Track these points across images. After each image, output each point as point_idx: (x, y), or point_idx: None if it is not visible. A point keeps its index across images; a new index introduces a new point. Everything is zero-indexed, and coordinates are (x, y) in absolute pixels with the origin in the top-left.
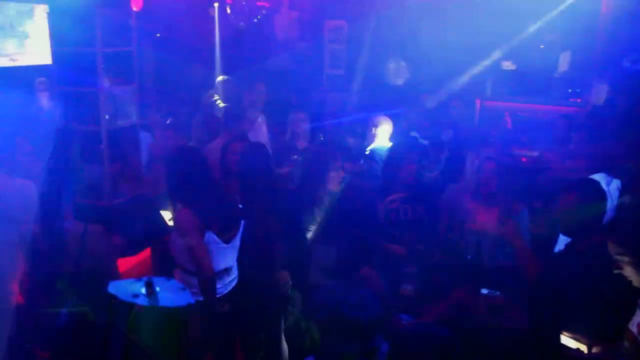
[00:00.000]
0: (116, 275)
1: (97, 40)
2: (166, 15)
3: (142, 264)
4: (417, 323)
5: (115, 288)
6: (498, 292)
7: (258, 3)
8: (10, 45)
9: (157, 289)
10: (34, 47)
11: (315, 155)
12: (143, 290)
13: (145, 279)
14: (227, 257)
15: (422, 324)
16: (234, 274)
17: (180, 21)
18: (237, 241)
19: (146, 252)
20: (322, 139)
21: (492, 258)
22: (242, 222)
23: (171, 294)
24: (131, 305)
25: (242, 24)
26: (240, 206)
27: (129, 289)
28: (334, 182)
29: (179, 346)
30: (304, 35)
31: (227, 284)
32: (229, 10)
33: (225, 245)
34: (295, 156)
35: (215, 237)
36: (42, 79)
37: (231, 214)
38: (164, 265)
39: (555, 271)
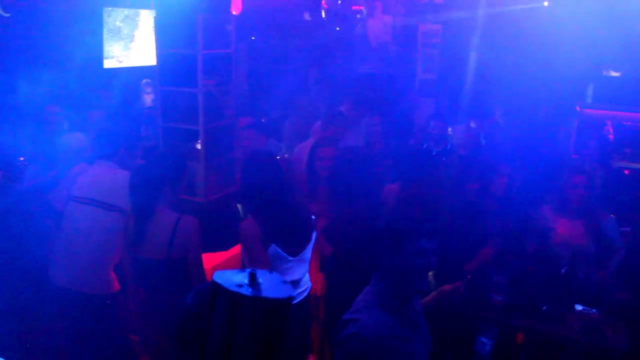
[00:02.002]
0: (200, 267)
1: (199, 42)
2: (262, 19)
3: (232, 259)
4: None
5: (220, 277)
6: (594, 310)
7: (353, 7)
8: (117, 48)
9: (260, 280)
10: (138, 50)
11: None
12: (246, 281)
13: (249, 270)
14: (294, 271)
15: None
16: (304, 285)
17: (275, 25)
18: (306, 254)
19: (236, 249)
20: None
21: (588, 273)
22: (314, 234)
23: (273, 285)
24: (234, 295)
25: (336, 27)
26: (313, 217)
27: (233, 278)
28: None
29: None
30: (397, 39)
31: (295, 295)
32: (323, 15)
33: (291, 258)
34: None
35: (280, 250)
36: (147, 80)
37: (301, 227)
38: None
39: None
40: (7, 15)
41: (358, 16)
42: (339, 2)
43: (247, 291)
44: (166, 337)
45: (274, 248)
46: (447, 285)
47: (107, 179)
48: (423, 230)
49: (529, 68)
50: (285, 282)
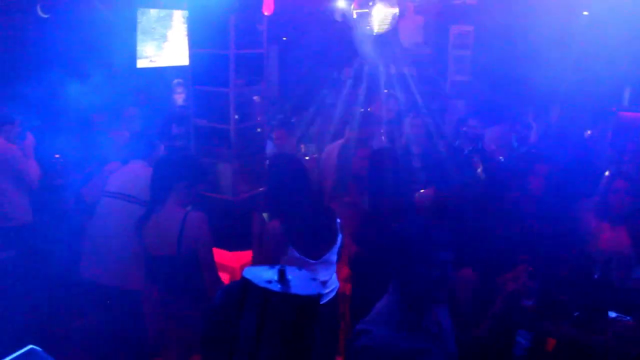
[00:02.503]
0: (212, 264)
1: (231, 42)
2: (293, 19)
3: None
4: None
5: (250, 273)
6: (629, 317)
7: None
8: (150, 48)
9: (289, 277)
10: (170, 50)
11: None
12: (276, 277)
13: (278, 266)
14: (318, 273)
15: None
16: (331, 286)
17: (305, 25)
18: (331, 256)
19: None
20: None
21: (623, 279)
22: (340, 237)
23: (302, 282)
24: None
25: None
26: (339, 221)
27: (262, 275)
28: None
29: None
30: (429, 40)
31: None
32: (355, 15)
33: (313, 261)
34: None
35: (298, 254)
36: (178, 79)
37: (324, 231)
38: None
39: None
40: (45, 16)
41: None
42: (370, 3)
43: (276, 287)
44: (182, 335)
45: (292, 251)
46: (510, 284)
47: (139, 176)
48: (439, 240)
49: (564, 70)
50: (314, 279)
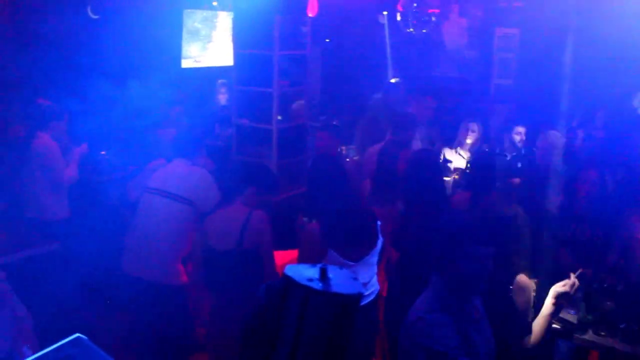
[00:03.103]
0: (272, 261)
1: (275, 44)
2: (337, 21)
3: None
4: None
5: (292, 271)
6: None
7: (429, 10)
8: (195, 48)
9: (331, 275)
10: (214, 50)
11: None
12: (317, 275)
13: (320, 265)
14: (358, 274)
15: None
16: (371, 288)
17: (350, 27)
18: (371, 258)
19: None
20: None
21: None
22: (380, 239)
23: (343, 281)
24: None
25: (411, 30)
26: (379, 223)
27: (304, 273)
28: None
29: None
30: (473, 42)
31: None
32: (399, 17)
33: (353, 263)
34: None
35: (337, 255)
36: (222, 80)
37: (363, 233)
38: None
39: None
40: (95, 17)
41: (433, 19)
42: (415, 5)
43: (317, 285)
44: (233, 330)
45: (331, 253)
46: (558, 285)
47: (181, 174)
48: (478, 236)
49: (612, 74)
50: (355, 278)
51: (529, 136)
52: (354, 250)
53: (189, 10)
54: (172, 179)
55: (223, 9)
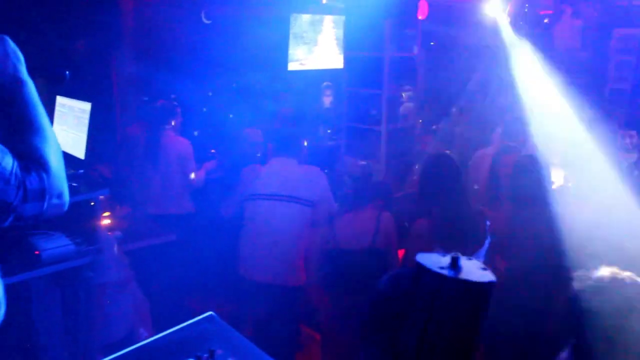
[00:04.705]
0: (397, 260)
1: (386, 45)
2: (442, 23)
3: None
4: None
5: (424, 259)
6: None
7: (541, 12)
8: (300, 51)
9: (461, 264)
10: (320, 53)
11: None
12: (448, 264)
13: (452, 253)
14: None
15: None
16: None
17: (455, 29)
18: (478, 258)
19: None
20: None
21: None
22: (488, 240)
23: (473, 270)
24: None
25: (520, 32)
26: (488, 223)
27: (435, 261)
28: None
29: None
30: (586, 44)
31: None
32: (508, 20)
33: None
34: None
35: (444, 254)
36: (327, 82)
37: (471, 232)
38: None
39: None
40: (208, 22)
41: (545, 20)
42: (526, 6)
43: (450, 273)
44: (352, 325)
45: (438, 250)
46: None
47: (289, 173)
48: None
49: None
50: (485, 268)
51: None
52: (461, 248)
53: (295, 14)
54: (280, 180)
55: (329, 13)
